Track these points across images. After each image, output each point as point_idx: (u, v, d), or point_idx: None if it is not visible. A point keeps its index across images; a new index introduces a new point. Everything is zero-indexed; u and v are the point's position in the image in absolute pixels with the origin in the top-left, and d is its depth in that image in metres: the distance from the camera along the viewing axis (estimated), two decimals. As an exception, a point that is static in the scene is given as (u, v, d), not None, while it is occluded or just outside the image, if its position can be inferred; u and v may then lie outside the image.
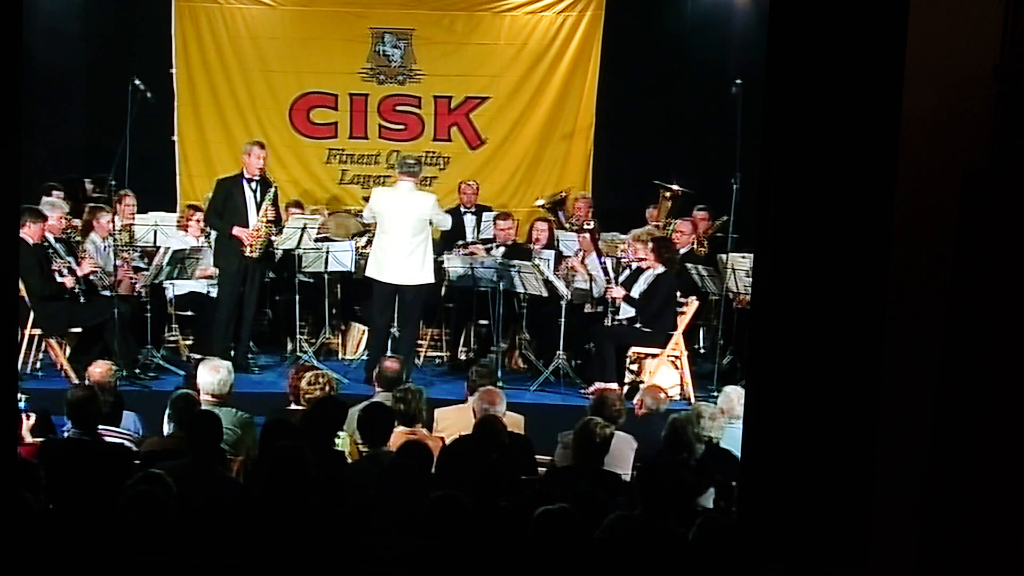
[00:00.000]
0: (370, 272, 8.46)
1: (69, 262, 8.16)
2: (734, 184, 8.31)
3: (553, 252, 9.21)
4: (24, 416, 5.61)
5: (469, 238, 9.77)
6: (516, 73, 11.11)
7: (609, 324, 8.44)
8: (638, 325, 8.39)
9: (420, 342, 9.18)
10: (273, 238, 8.69)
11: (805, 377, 3.85)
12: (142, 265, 8.91)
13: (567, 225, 9.86)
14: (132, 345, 8.21)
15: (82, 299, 8.14)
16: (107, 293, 8.24)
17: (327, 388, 6.14)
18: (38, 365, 8.23)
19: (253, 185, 8.50)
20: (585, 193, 10.60)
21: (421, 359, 9.16)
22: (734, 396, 6.07)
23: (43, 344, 8.21)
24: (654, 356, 8.35)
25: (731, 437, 5.61)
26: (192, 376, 6.41)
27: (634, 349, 8.44)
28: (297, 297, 8.93)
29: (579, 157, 11.24)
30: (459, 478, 4.88)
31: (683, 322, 8.41)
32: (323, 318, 9.13)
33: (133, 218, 9.23)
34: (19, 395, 5.37)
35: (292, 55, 11.04)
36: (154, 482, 4.35)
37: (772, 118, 3.82)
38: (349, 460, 5.58)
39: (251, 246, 8.44)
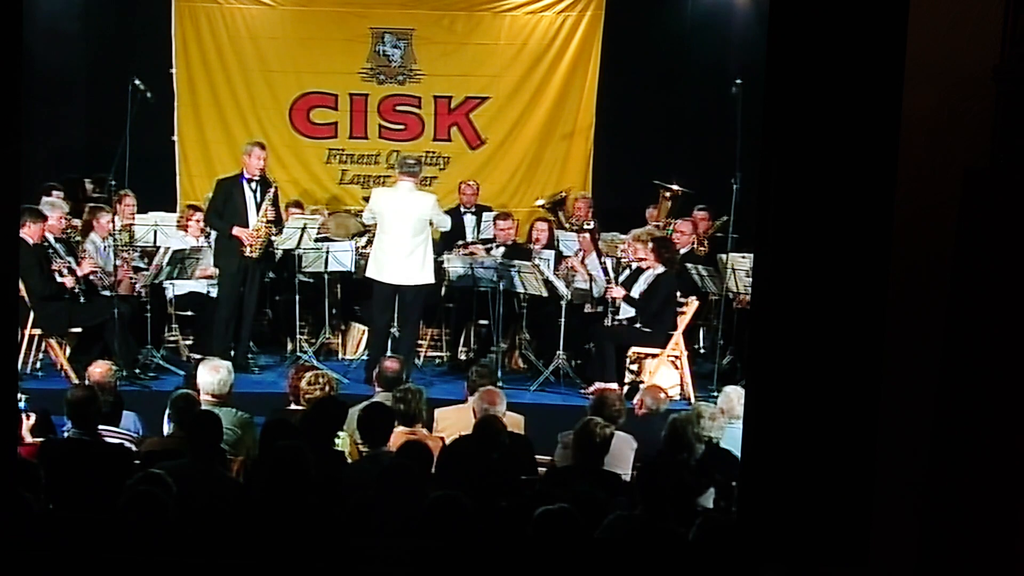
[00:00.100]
0: (370, 272, 8.45)
1: (69, 262, 8.16)
2: (734, 184, 8.31)
3: (553, 252, 9.20)
4: (24, 416, 5.61)
5: (469, 238, 9.76)
6: (516, 73, 11.10)
7: (609, 324, 8.44)
8: (638, 325, 8.38)
9: (420, 342, 9.18)
10: (273, 238, 8.68)
11: (805, 377, 3.85)
12: (142, 265, 8.91)
13: (567, 225, 9.86)
14: (132, 345, 8.21)
15: (82, 299, 8.14)
16: (107, 293, 8.23)
17: (327, 388, 6.14)
18: (38, 365, 8.23)
19: (253, 185, 8.50)
20: (585, 193, 10.60)
21: (421, 359, 9.15)
22: (734, 396, 6.06)
23: (43, 344, 8.20)
24: (654, 356, 8.35)
25: (731, 437, 5.60)
26: (192, 376, 6.41)
27: (634, 349, 8.43)
28: (297, 297, 8.93)
29: (579, 157, 11.23)
30: (459, 478, 4.88)
31: (683, 322, 8.41)
32: (323, 318, 9.12)
33: (133, 218, 9.23)
34: (19, 395, 5.37)
35: (292, 55, 11.04)
36: (154, 482, 4.35)
37: (772, 118, 3.82)
38: (349, 460, 5.58)
39: (251, 246, 8.43)
